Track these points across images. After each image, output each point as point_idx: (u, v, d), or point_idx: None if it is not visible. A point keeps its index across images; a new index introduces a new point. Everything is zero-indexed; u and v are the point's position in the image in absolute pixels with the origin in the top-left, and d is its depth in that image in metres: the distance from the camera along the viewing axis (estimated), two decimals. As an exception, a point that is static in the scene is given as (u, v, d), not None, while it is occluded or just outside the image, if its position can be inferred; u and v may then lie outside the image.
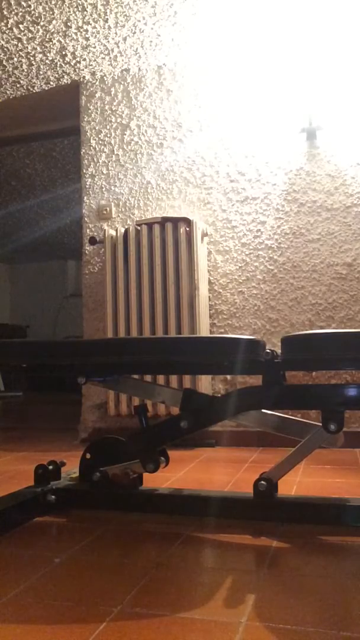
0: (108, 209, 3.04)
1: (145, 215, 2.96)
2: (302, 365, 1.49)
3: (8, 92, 3.25)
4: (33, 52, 2.87)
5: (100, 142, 3.10)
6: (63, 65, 3.00)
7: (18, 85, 3.19)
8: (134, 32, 2.72)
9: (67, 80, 3.15)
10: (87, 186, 3.10)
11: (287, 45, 2.77)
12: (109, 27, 2.68)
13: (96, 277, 3.02)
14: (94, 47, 2.85)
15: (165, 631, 0.84)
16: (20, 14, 2.57)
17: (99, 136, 3.10)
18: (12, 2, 2.50)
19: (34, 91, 3.25)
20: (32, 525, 1.43)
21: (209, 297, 2.82)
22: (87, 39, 2.78)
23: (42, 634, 0.84)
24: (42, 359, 1.52)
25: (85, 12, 2.57)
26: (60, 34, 2.73)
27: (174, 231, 2.71)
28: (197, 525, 1.39)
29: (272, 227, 2.77)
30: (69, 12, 2.57)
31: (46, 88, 3.22)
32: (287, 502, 1.44)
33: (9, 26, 2.66)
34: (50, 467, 1.60)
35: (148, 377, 2.34)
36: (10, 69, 3.02)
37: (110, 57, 2.94)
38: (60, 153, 4.38)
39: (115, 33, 2.73)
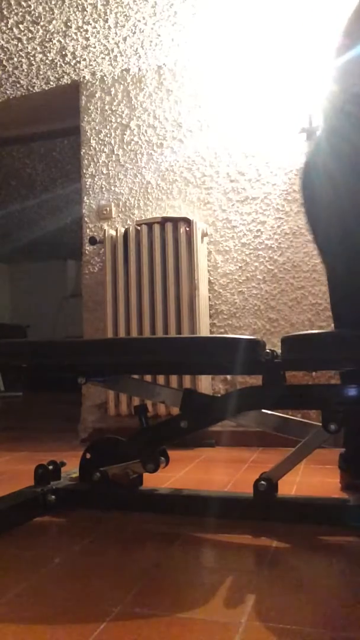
0: (108, 209, 3.03)
1: (145, 215, 2.96)
2: (302, 365, 1.49)
3: (8, 92, 3.25)
4: (33, 52, 2.87)
5: (100, 142, 3.10)
6: (63, 65, 3.00)
7: (18, 85, 3.19)
8: (134, 32, 2.72)
9: (67, 80, 3.14)
10: (87, 186, 3.10)
11: (287, 45, 2.76)
12: (109, 27, 2.68)
13: (96, 277, 3.02)
14: (94, 47, 2.84)
15: (165, 631, 0.84)
16: (20, 14, 2.57)
17: (99, 136, 3.10)
18: (12, 2, 2.50)
19: (34, 91, 3.25)
20: (32, 525, 1.43)
21: (209, 297, 2.82)
22: (87, 39, 2.77)
23: (42, 634, 0.84)
24: (42, 359, 1.52)
25: (85, 12, 2.57)
26: (60, 34, 2.73)
27: (174, 231, 2.71)
28: (197, 525, 1.38)
29: (272, 227, 2.77)
30: (69, 12, 2.56)
31: (46, 88, 3.22)
32: (287, 502, 1.44)
33: (9, 26, 2.66)
34: (50, 467, 1.60)
35: (148, 377, 2.34)
36: (10, 69, 3.02)
37: (110, 57, 2.94)
38: (60, 153, 4.38)
39: (115, 33, 2.73)
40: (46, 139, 3.98)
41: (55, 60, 2.95)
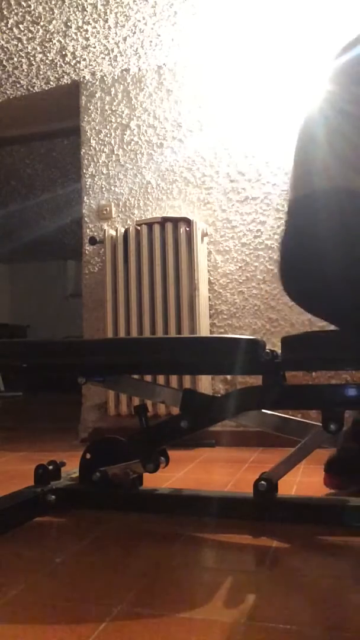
0: (108, 209, 3.03)
1: (145, 215, 2.96)
2: (302, 365, 1.49)
3: (8, 92, 3.25)
4: (33, 52, 2.87)
5: (100, 142, 3.10)
6: (63, 65, 3.00)
7: (18, 85, 3.19)
8: (134, 32, 2.72)
9: (67, 80, 3.14)
10: (87, 186, 3.10)
11: (287, 45, 2.76)
12: (109, 27, 2.68)
13: (96, 277, 3.02)
14: (94, 47, 2.84)
15: (165, 631, 0.84)
16: (20, 14, 2.57)
17: (99, 136, 3.10)
18: (12, 2, 2.50)
19: (34, 91, 3.25)
20: (32, 525, 1.43)
21: (209, 297, 2.82)
22: (87, 39, 2.77)
23: (43, 634, 0.84)
24: (42, 359, 1.52)
25: (85, 12, 2.57)
26: (60, 34, 2.72)
27: (174, 231, 2.71)
28: (197, 525, 1.39)
29: (272, 227, 2.77)
30: (69, 12, 2.56)
31: (46, 88, 3.22)
32: (287, 502, 1.44)
33: (9, 26, 2.65)
34: (50, 467, 1.60)
35: (148, 377, 2.34)
36: (10, 69, 3.02)
37: (110, 57, 2.93)
38: (60, 153, 4.38)
39: (115, 33, 2.73)
40: (46, 139, 3.99)
41: (55, 60, 2.95)
